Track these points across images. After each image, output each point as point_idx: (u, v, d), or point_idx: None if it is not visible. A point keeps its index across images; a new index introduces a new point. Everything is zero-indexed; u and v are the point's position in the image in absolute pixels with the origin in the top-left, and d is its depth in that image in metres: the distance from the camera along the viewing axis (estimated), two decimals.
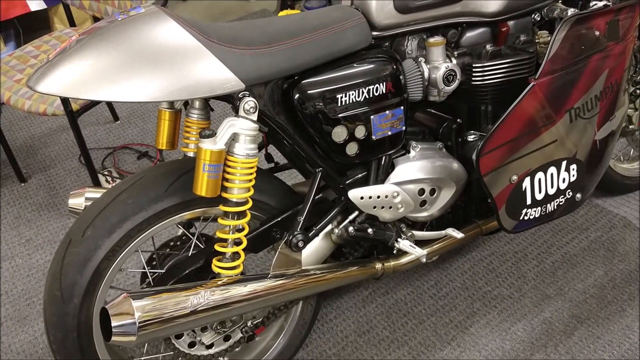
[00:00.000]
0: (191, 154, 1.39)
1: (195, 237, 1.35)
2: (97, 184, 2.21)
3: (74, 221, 1.24)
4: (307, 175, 1.59)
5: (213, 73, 1.08)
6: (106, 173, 2.36)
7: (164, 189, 1.22)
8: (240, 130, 1.14)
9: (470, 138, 1.48)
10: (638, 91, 1.86)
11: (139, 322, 1.05)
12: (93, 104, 2.03)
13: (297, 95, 1.23)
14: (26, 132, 2.76)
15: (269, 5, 3.72)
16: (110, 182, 2.32)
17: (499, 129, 1.33)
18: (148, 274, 1.31)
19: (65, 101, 1.90)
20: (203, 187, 1.14)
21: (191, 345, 1.34)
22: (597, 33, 1.39)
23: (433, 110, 1.54)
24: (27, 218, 2.24)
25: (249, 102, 1.14)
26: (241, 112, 1.14)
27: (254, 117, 1.15)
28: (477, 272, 1.85)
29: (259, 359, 1.50)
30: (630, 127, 1.87)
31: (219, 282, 1.20)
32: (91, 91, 1.01)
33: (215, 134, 1.13)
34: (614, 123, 1.53)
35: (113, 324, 1.04)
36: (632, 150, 2.04)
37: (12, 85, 2.04)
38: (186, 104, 1.36)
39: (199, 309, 1.13)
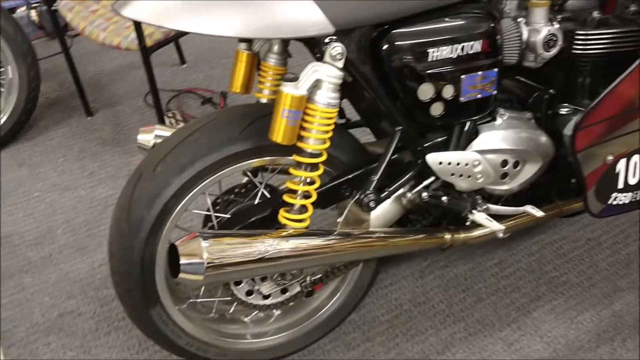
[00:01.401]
0: (265, 100, 1.34)
1: (263, 186, 1.31)
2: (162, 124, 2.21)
3: (145, 156, 1.22)
4: (380, 135, 1.52)
5: (302, 12, 1.01)
6: (170, 115, 2.36)
7: (238, 131, 1.17)
8: (325, 77, 1.08)
9: (563, 111, 1.37)
10: None
11: (207, 263, 1.03)
12: (166, 41, 2.00)
13: (386, 46, 1.15)
14: (95, 67, 2.79)
15: None
16: (175, 124, 2.31)
17: (601, 103, 1.22)
18: (213, 217, 1.29)
19: (139, 36, 1.88)
20: (280, 133, 1.09)
21: (249, 293, 1.32)
22: None
23: (523, 79, 1.43)
24: (92, 151, 2.26)
25: (337, 48, 1.07)
26: (327, 58, 1.08)
27: (340, 64, 1.08)
28: (545, 255, 1.75)
29: (312, 317, 1.47)
30: None
31: (285, 233, 1.16)
32: (173, 20, 0.99)
33: (298, 78, 1.07)
34: None
35: (182, 261, 1.02)
36: None
37: (88, 15, 2.04)
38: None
39: (266, 256, 1.10)
